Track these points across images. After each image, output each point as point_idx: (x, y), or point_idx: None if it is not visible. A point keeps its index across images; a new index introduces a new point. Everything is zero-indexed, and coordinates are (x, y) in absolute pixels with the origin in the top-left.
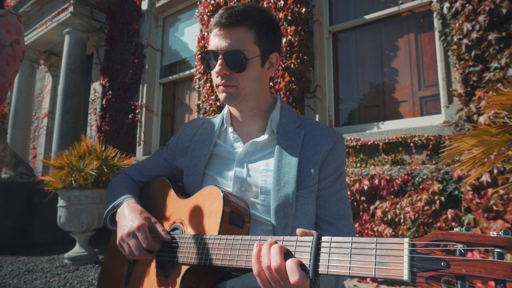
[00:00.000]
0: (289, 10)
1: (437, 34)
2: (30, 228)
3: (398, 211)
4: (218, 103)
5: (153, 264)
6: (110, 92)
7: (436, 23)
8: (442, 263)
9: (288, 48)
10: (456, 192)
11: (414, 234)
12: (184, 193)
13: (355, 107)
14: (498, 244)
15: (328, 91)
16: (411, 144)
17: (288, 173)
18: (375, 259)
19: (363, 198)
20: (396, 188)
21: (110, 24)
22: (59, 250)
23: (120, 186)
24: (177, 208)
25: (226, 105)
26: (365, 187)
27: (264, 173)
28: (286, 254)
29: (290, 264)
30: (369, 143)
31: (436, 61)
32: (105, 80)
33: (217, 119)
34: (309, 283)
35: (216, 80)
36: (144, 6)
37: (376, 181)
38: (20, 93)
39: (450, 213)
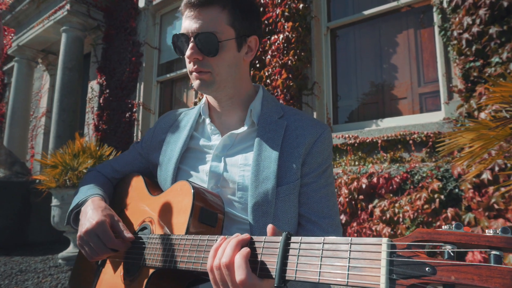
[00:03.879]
0: (286, 6)
1: (436, 29)
2: (26, 227)
3: (397, 210)
4: None
5: (121, 267)
6: (108, 91)
7: (436, 17)
8: (427, 269)
9: (285, 45)
10: (457, 190)
11: None
12: (157, 190)
13: (353, 104)
14: (495, 245)
15: (326, 88)
16: (410, 142)
17: (267, 167)
18: (349, 263)
19: (361, 196)
20: (395, 186)
21: (107, 22)
22: (54, 250)
23: (89, 183)
24: (147, 205)
25: (205, 95)
26: (364, 186)
27: (242, 168)
28: (250, 257)
29: (238, 259)
30: (368, 140)
31: (436, 57)
32: (103, 79)
33: (195, 110)
34: None
35: (189, 66)
36: (141, 4)
37: (375, 179)
38: (17, 92)
39: (450, 212)
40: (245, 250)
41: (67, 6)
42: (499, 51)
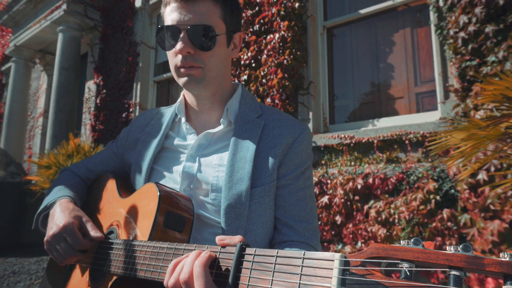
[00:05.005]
0: (282, 5)
1: (433, 28)
2: (20, 228)
3: (392, 211)
4: None
5: (87, 272)
6: (104, 91)
7: (432, 16)
8: None
9: (281, 44)
10: (452, 191)
11: (408, 235)
12: (128, 192)
13: (350, 104)
14: (454, 264)
15: (323, 88)
16: (406, 142)
17: (242, 168)
18: (300, 279)
19: (356, 197)
20: (390, 187)
21: (104, 22)
22: None
23: (61, 184)
24: (116, 208)
25: (182, 92)
26: (359, 186)
27: (217, 169)
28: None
29: (197, 268)
30: (364, 140)
31: (432, 56)
32: (99, 79)
33: (172, 108)
34: None
35: (176, 60)
36: (138, 3)
37: (370, 180)
38: (15, 93)
39: (446, 212)
40: (204, 258)
41: (64, 6)
42: (495, 50)
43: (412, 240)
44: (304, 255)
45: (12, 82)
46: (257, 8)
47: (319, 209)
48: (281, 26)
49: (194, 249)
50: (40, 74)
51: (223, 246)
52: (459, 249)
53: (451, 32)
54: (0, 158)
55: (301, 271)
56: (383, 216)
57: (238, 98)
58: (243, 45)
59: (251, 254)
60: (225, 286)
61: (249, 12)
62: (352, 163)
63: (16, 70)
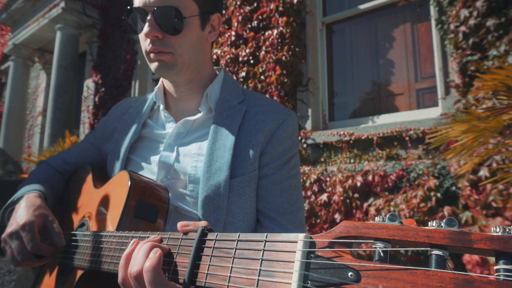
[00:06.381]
0: (281, 1)
1: (433, 23)
2: None
3: (392, 209)
4: None
5: (57, 268)
6: (103, 89)
7: (433, 11)
8: (349, 274)
9: (279, 40)
10: (453, 188)
11: None
12: (103, 182)
13: (349, 100)
14: (436, 242)
15: (322, 84)
16: (407, 138)
17: (221, 157)
18: (261, 265)
19: (356, 195)
20: (390, 184)
21: (102, 20)
22: None
23: (34, 178)
24: (89, 199)
25: (161, 79)
26: (358, 184)
27: (195, 158)
28: (164, 257)
29: (147, 265)
30: (363, 137)
31: (433, 51)
32: (98, 77)
33: (150, 96)
34: None
35: (145, 45)
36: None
37: (370, 177)
38: (13, 92)
39: (446, 210)
40: (156, 254)
41: (62, 4)
42: (497, 44)
43: (387, 215)
44: (266, 238)
45: (11, 81)
46: (255, 4)
47: (318, 207)
48: (280, 22)
49: (157, 234)
50: (39, 73)
51: (185, 233)
52: (442, 224)
53: (452, 27)
54: None
55: (262, 256)
56: (383, 214)
57: (220, 83)
58: (241, 41)
59: (212, 240)
60: (183, 277)
61: (247, 8)
62: (352, 161)
63: (15, 69)
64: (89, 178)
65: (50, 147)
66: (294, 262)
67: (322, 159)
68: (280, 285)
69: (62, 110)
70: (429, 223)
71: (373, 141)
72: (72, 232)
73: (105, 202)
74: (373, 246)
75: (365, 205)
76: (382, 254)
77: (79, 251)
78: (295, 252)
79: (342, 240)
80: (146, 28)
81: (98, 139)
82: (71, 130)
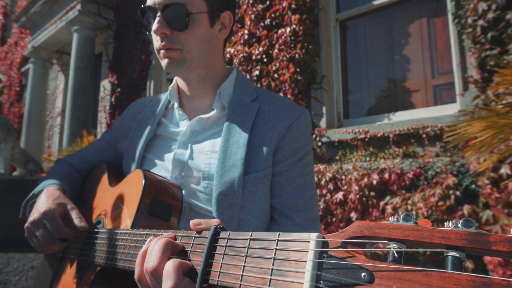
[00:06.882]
0: None
1: (450, 17)
2: None
3: (409, 207)
4: None
5: (75, 264)
6: (119, 90)
7: (449, 5)
8: (363, 275)
9: (292, 38)
10: (473, 186)
11: None
12: (119, 181)
13: (365, 98)
14: (453, 243)
15: (336, 81)
16: (424, 136)
17: (235, 154)
18: (273, 265)
19: (372, 193)
20: (407, 182)
21: (117, 21)
22: None
23: (52, 174)
24: (105, 197)
25: (175, 78)
26: (374, 182)
27: (209, 155)
28: (178, 255)
29: (167, 267)
30: (379, 135)
31: (450, 46)
32: (114, 78)
33: (165, 95)
34: None
35: (156, 43)
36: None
37: (386, 175)
38: (33, 93)
39: (466, 209)
40: (177, 261)
41: (78, 6)
42: None
43: (402, 215)
44: (278, 237)
45: (30, 83)
46: (268, 2)
47: (334, 206)
48: (293, 19)
49: (171, 232)
50: (58, 74)
51: (199, 231)
52: (459, 225)
53: (470, 21)
54: (19, 156)
55: (275, 255)
56: (400, 213)
57: (233, 81)
58: (254, 40)
59: (224, 238)
60: (197, 275)
61: (260, 7)
62: (367, 158)
63: (34, 71)
64: (105, 176)
65: (69, 147)
66: (306, 261)
67: (337, 157)
68: (293, 285)
69: (80, 110)
70: (445, 223)
71: (389, 139)
72: (89, 230)
73: (120, 200)
74: (387, 247)
75: (382, 203)
76: (396, 255)
77: (96, 248)
78: (307, 251)
79: (355, 240)
80: (155, 25)
81: (113, 137)
82: (89, 130)
